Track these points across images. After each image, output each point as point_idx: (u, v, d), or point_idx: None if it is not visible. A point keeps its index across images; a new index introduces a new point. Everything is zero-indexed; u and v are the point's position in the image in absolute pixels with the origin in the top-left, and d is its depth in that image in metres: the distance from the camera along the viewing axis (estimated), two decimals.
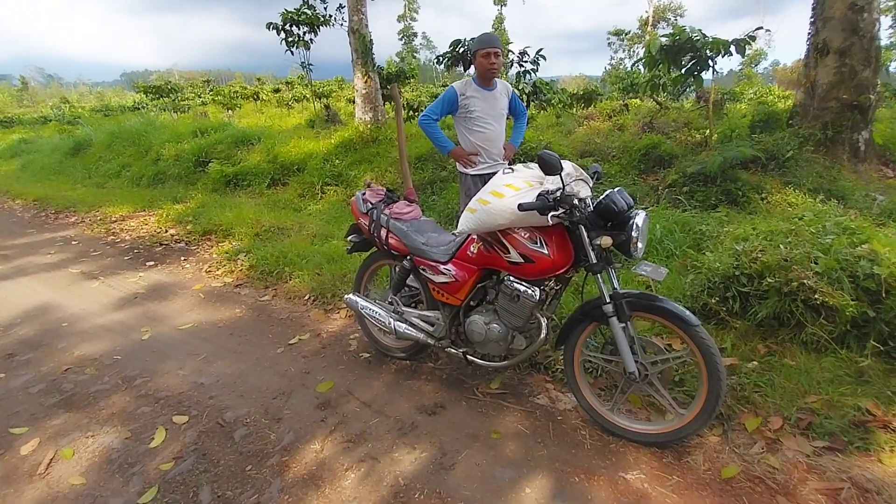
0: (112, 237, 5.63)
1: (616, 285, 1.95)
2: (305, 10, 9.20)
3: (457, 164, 3.35)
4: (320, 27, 9.40)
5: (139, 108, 20.44)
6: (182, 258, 4.73)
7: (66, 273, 4.49)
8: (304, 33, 9.38)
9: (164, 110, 15.87)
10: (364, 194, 2.66)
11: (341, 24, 9.20)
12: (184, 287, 4.03)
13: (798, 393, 2.13)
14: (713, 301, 2.63)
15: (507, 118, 3.36)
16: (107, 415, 2.37)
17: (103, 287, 4.11)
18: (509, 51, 7.85)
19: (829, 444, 1.90)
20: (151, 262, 4.67)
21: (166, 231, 5.57)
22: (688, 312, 1.83)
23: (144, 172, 8.62)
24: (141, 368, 2.78)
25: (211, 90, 26.75)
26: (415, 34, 54.39)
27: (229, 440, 2.14)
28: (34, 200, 7.78)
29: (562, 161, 1.85)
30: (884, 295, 2.24)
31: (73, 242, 5.54)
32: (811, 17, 5.28)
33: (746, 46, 4.98)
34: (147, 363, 2.84)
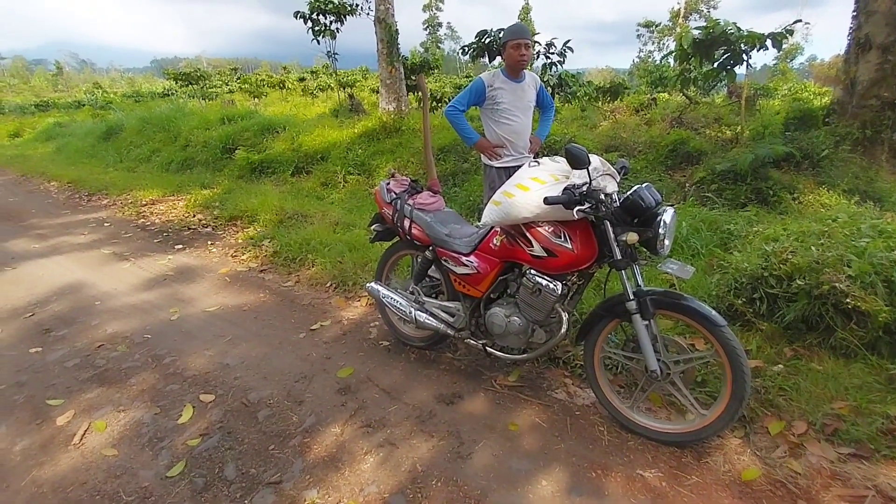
0: (142, 220, 5.80)
1: (640, 282, 1.94)
2: (332, 0, 9.23)
3: (481, 155, 3.34)
4: (347, 16, 9.43)
5: (169, 95, 20.87)
6: (209, 242, 4.85)
7: (99, 253, 4.65)
8: (331, 22, 9.41)
9: (193, 97, 16.16)
10: (388, 184, 2.68)
11: (368, 14, 9.20)
12: (210, 270, 4.13)
13: (825, 398, 2.08)
14: (739, 302, 2.59)
15: (534, 110, 3.33)
16: (137, 391, 2.46)
17: (134, 268, 4.24)
18: (536, 42, 7.74)
19: (855, 451, 1.86)
20: (180, 246, 4.80)
21: (194, 216, 5.71)
22: (714, 312, 1.80)
23: (173, 158, 8.83)
24: (169, 347, 2.87)
25: (238, 78, 27.11)
26: (440, 24, 54.06)
27: (253, 420, 2.20)
28: (68, 182, 8.06)
29: (589, 155, 1.83)
30: None
31: (106, 224, 5.72)
32: (853, 11, 5.07)
33: (783, 41, 4.83)
34: (175, 343, 2.93)
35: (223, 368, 2.63)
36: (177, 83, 18.06)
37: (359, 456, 1.97)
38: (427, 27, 53.60)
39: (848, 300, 2.23)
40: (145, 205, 6.31)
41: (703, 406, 1.96)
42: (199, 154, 8.56)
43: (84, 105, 23.72)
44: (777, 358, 2.34)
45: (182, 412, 2.27)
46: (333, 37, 9.58)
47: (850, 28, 5.13)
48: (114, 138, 11.09)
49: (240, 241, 4.77)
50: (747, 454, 1.90)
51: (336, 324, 3.13)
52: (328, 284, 3.69)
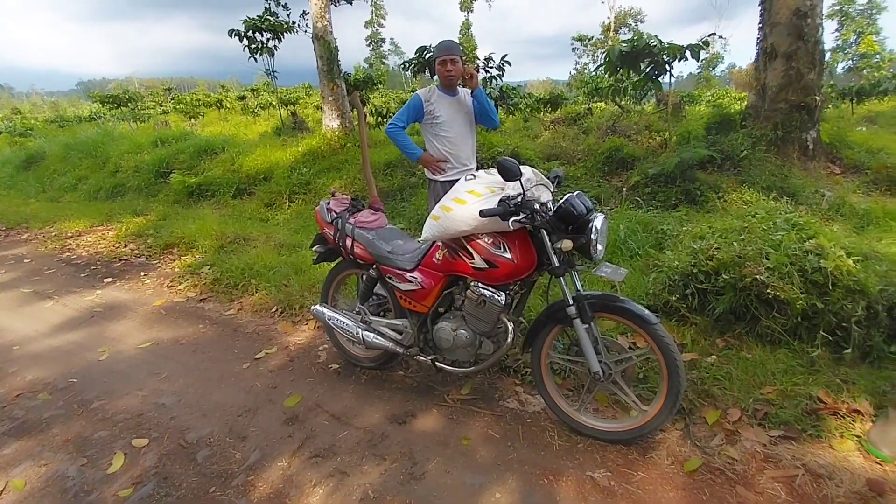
0: (67, 253, 5.40)
1: (579, 287, 1.99)
2: (268, 17, 9.06)
3: (426, 170, 3.35)
4: (284, 34, 9.27)
5: (96, 119, 19.66)
6: (142, 273, 4.57)
7: (18, 293, 4.27)
8: (268, 40, 9.22)
9: (123, 120, 15.32)
10: (328, 203, 2.63)
11: (306, 31, 9.10)
12: (144, 303, 3.89)
13: (755, 384, 2.21)
14: (674, 298, 2.71)
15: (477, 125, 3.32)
16: (61, 441, 2.26)
17: (58, 306, 3.93)
18: (475, 57, 7.93)
19: (784, 433, 1.98)
20: (109, 279, 4.49)
21: (125, 245, 5.38)
22: (647, 311, 1.88)
23: (102, 185, 8.31)
24: (98, 391, 2.66)
25: (172, 98, 26.02)
26: (382, 40, 54.21)
27: (192, 462, 2.07)
28: None
29: (521, 167, 1.87)
30: (830, 287, 2.35)
31: (26, 260, 5.28)
32: (759, 23, 5.54)
33: (701, 51, 5.19)
34: (105, 385, 2.72)
35: (158, 409, 2.46)
36: (105, 106, 17.07)
37: (307, 489, 1.89)
38: (370, 43, 53.62)
39: (769, 290, 2.39)
40: (71, 237, 5.87)
41: (644, 402, 2.03)
42: (131, 180, 8.11)
43: (1, 133, 21.93)
44: (710, 349, 2.47)
45: (112, 461, 2.10)
46: (272, 54, 9.38)
47: (758, 38, 5.60)
48: (35, 167, 10.32)
49: (176, 269, 4.53)
50: (688, 445, 1.98)
51: (282, 350, 3.02)
52: (273, 310, 3.56)
